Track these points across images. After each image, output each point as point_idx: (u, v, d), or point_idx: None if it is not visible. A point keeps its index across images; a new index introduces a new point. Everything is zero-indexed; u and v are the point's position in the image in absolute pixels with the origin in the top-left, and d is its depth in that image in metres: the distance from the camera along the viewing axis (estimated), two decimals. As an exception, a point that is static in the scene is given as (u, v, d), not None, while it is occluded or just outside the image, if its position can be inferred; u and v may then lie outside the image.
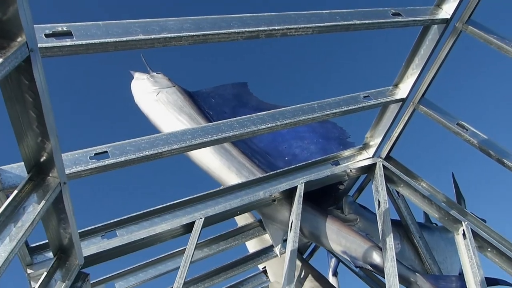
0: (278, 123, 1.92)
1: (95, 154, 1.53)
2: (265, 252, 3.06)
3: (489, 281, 2.19)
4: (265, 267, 3.52)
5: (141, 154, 1.58)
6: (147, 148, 1.62)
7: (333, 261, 4.15)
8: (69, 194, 1.32)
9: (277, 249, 2.49)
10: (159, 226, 1.95)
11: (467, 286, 2.17)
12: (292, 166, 2.43)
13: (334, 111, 2.08)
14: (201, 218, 2.01)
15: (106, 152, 1.55)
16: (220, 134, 1.77)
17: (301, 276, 3.16)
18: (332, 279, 4.12)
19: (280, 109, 1.98)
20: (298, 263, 3.24)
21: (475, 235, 2.40)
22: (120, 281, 2.28)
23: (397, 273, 2.01)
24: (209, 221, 2.07)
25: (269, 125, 1.89)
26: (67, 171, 1.38)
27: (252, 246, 3.38)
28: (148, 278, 2.37)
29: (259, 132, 1.86)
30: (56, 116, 1.13)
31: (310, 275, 3.16)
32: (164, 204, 2.03)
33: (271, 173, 2.35)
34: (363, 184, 2.98)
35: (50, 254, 1.62)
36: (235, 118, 1.85)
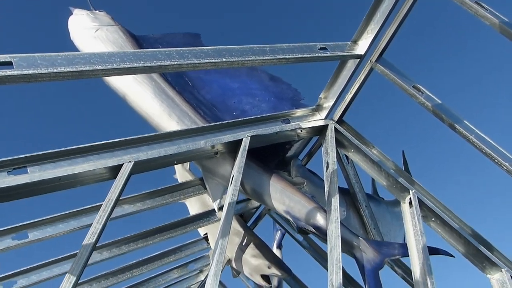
0: (224, 59, 1.71)
1: (-4, 63, 1.26)
2: (206, 216, 2.90)
3: (431, 250, 2.13)
4: (206, 233, 3.36)
5: (55, 70, 1.33)
6: (63, 65, 1.37)
7: (278, 233, 4.06)
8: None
9: (216, 205, 2.31)
10: (79, 166, 1.70)
11: (409, 252, 2.12)
12: (239, 119, 2.25)
13: (287, 56, 1.91)
14: (130, 161, 1.79)
15: (11, 62, 1.29)
16: (155, 62, 1.54)
17: (243, 243, 3.02)
18: (276, 252, 4.04)
19: (227, 46, 1.78)
20: (241, 230, 3.10)
21: (421, 204, 2.34)
22: (35, 231, 2.03)
23: (339, 235, 1.90)
24: (139, 167, 1.85)
25: (213, 60, 1.68)
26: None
27: (194, 212, 3.20)
28: (68, 229, 2.13)
29: (201, 66, 1.65)
30: None
31: (252, 242, 3.03)
32: (89, 144, 1.79)
33: (215, 123, 2.15)
34: (312, 149, 2.86)
35: None
36: (174, 48, 1.63)
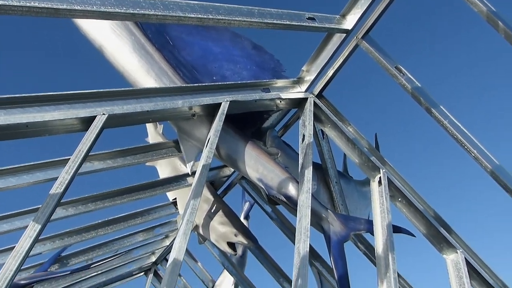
0: (210, 16, 1.66)
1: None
2: (177, 180, 2.87)
3: (395, 228, 2.20)
4: (175, 198, 3.34)
5: (28, 4, 1.24)
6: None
7: (247, 204, 4.09)
8: None
9: (189, 166, 2.28)
10: (49, 114, 1.62)
11: (374, 229, 2.18)
12: (219, 83, 2.20)
13: (274, 21, 1.87)
14: (104, 114, 1.72)
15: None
16: (138, 9, 1.47)
17: (212, 211, 3.03)
18: (243, 222, 4.07)
19: (215, 4, 1.72)
20: (211, 197, 3.10)
21: (390, 183, 2.39)
22: (-3, 180, 1.94)
23: (310, 205, 1.93)
24: (113, 121, 1.78)
25: (199, 16, 1.62)
26: None
27: (165, 176, 3.16)
28: (33, 181, 2.05)
29: (186, 20, 1.59)
30: None
31: (221, 210, 3.04)
32: (61, 92, 1.70)
33: (195, 85, 2.10)
34: (289, 122, 2.86)
35: None
36: (160, -1, 1.55)
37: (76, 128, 1.73)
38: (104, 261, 3.28)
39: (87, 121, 1.71)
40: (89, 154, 1.67)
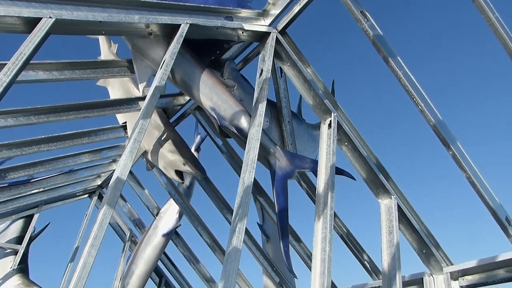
0: None
1: None
2: (128, 103, 2.79)
3: (337, 170, 2.30)
4: (125, 122, 3.26)
5: None
6: None
7: (199, 137, 4.09)
8: None
9: (141, 87, 2.20)
10: (-13, 8, 1.47)
11: (318, 169, 2.27)
12: (181, 3, 2.08)
13: None
14: (51, 17, 1.59)
15: None
16: None
17: (162, 138, 3.00)
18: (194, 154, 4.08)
19: None
20: (162, 124, 3.06)
21: (339, 127, 2.47)
22: None
23: (259, 138, 1.95)
24: (61, 28, 1.66)
25: None
26: None
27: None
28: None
29: None
30: None
31: (171, 138, 3.02)
32: (2, -13, 1.54)
33: (154, 1, 1.97)
34: (249, 56, 2.81)
35: None
36: None
37: (18, 28, 1.59)
38: (46, 177, 3.20)
39: (31, 23, 1.58)
40: (33, 61, 1.57)
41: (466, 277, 2.57)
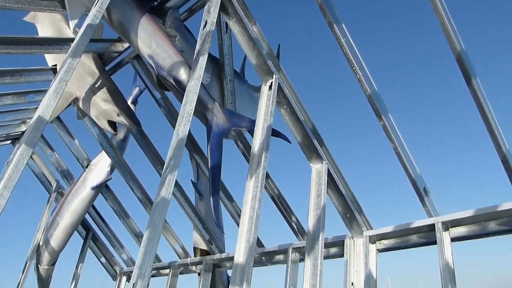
0: None
1: None
2: (59, 43, 2.57)
3: (274, 132, 2.32)
4: (55, 65, 3.03)
5: None
6: None
7: (136, 90, 3.91)
8: None
9: (72, 24, 2.03)
10: None
11: (255, 129, 2.27)
12: None
13: None
14: None
15: None
16: None
17: (96, 85, 2.84)
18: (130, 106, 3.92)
19: None
20: (96, 70, 2.88)
21: (279, 90, 2.47)
22: None
23: (197, 92, 1.90)
24: None
25: None
26: None
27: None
28: None
29: None
30: None
31: (106, 87, 2.86)
32: None
33: None
34: (194, 7, 2.69)
35: None
36: None
37: None
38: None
39: None
40: None
41: (383, 241, 2.78)
